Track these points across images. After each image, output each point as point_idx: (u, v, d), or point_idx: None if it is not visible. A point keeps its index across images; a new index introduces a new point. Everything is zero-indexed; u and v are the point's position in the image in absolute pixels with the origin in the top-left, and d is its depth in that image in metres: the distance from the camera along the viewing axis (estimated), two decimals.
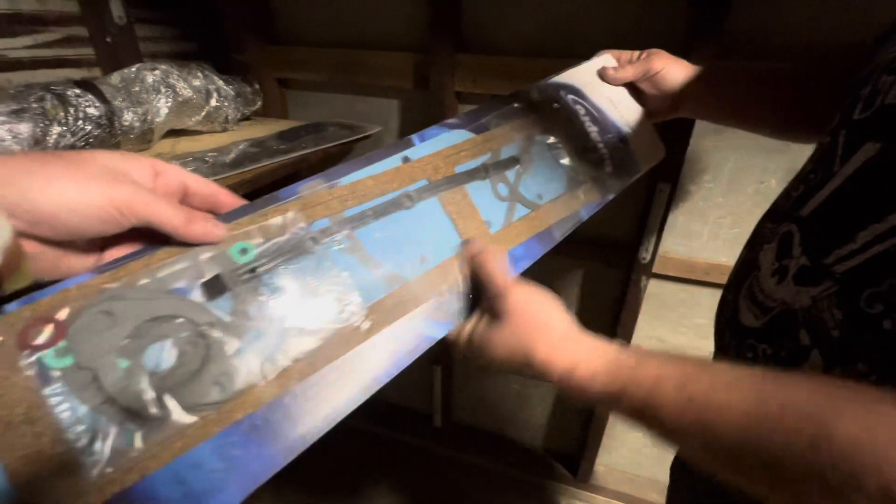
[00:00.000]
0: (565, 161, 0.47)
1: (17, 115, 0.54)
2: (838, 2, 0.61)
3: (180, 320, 0.26)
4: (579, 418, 1.11)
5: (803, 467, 0.21)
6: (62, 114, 0.58)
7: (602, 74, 0.53)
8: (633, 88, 0.54)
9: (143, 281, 0.26)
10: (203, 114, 0.77)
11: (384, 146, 0.37)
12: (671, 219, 0.81)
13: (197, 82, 0.76)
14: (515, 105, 0.47)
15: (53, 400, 0.23)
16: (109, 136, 0.63)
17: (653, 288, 0.89)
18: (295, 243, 0.31)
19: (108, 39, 0.74)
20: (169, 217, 0.26)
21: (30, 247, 0.24)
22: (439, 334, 0.34)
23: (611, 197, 0.48)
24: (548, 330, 0.33)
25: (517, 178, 0.43)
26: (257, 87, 0.89)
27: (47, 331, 0.24)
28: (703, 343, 0.93)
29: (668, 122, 0.55)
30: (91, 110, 0.60)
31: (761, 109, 0.49)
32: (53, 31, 0.68)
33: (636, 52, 0.54)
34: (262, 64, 0.91)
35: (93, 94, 0.61)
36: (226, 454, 0.26)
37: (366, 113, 0.94)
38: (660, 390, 0.27)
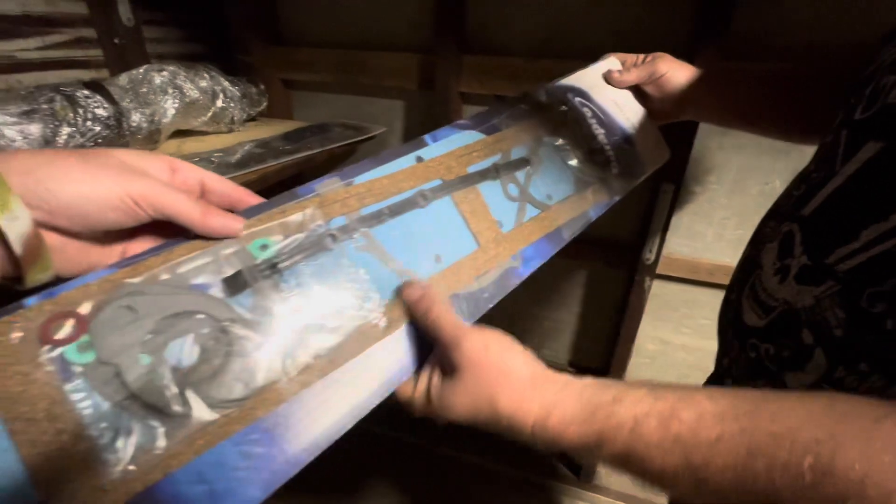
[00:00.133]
0: (573, 162, 0.47)
1: (28, 115, 0.54)
2: (842, 2, 0.61)
3: (201, 316, 0.26)
4: None
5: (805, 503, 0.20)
6: (71, 115, 0.58)
7: (607, 77, 0.54)
8: (637, 91, 0.54)
9: (164, 276, 0.26)
10: (209, 114, 0.78)
11: (394, 146, 0.37)
12: (675, 219, 0.81)
13: (203, 83, 0.76)
14: (524, 107, 0.47)
15: (75, 396, 0.23)
16: (117, 136, 0.63)
17: (656, 289, 0.89)
18: (314, 240, 0.31)
19: (116, 41, 0.74)
20: (186, 208, 0.26)
21: (51, 240, 0.24)
22: None
23: (618, 198, 0.48)
24: (510, 378, 0.29)
25: (527, 179, 0.43)
26: (263, 87, 0.90)
27: (69, 325, 0.24)
28: (707, 344, 0.93)
29: (673, 123, 0.56)
30: (100, 111, 0.61)
31: (763, 111, 0.49)
32: (62, 32, 0.68)
33: (641, 56, 0.54)
34: (267, 65, 0.92)
35: (101, 95, 0.62)
36: (248, 452, 0.25)
37: (370, 114, 0.94)
38: (642, 431, 0.25)
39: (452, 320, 0.31)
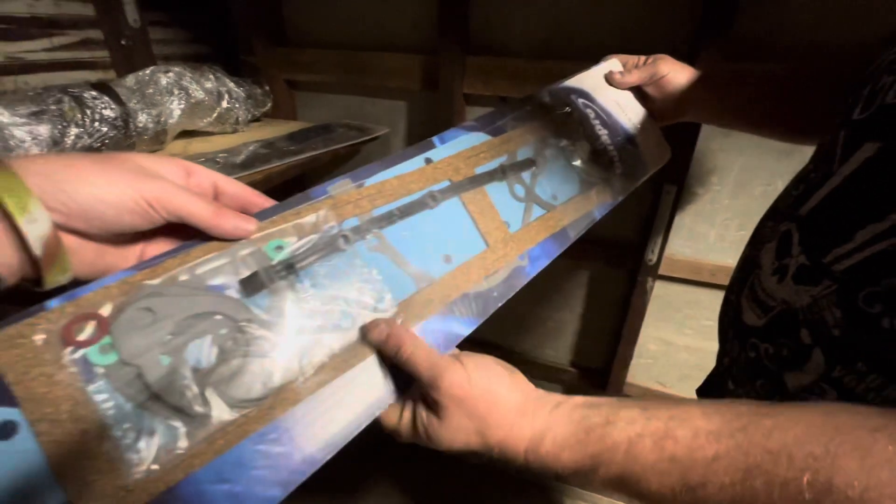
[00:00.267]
0: (577, 163, 0.48)
1: (37, 116, 0.54)
2: (843, 3, 0.61)
3: (219, 317, 0.27)
4: None
5: None
6: (79, 116, 0.58)
7: (609, 78, 0.54)
8: (638, 92, 0.55)
9: (183, 278, 0.26)
10: (214, 115, 0.78)
11: (397, 147, 0.38)
12: (678, 220, 0.81)
13: (209, 84, 0.77)
14: (528, 108, 0.48)
15: (98, 397, 0.23)
16: (124, 137, 0.63)
17: (659, 289, 0.90)
18: (327, 241, 0.31)
19: (123, 42, 0.75)
20: (199, 210, 0.27)
21: (70, 242, 0.24)
22: (465, 332, 0.35)
23: (621, 198, 0.49)
24: (498, 408, 0.29)
25: (533, 180, 0.44)
26: (267, 88, 0.90)
27: (90, 327, 0.24)
28: (709, 345, 0.94)
29: (675, 124, 0.56)
30: (107, 112, 0.61)
31: (764, 112, 0.49)
32: (70, 34, 0.69)
33: (642, 57, 0.55)
34: (271, 66, 0.92)
35: (108, 96, 0.62)
36: (267, 451, 0.26)
37: (374, 114, 0.94)
38: (636, 452, 0.24)
39: (425, 356, 0.29)
